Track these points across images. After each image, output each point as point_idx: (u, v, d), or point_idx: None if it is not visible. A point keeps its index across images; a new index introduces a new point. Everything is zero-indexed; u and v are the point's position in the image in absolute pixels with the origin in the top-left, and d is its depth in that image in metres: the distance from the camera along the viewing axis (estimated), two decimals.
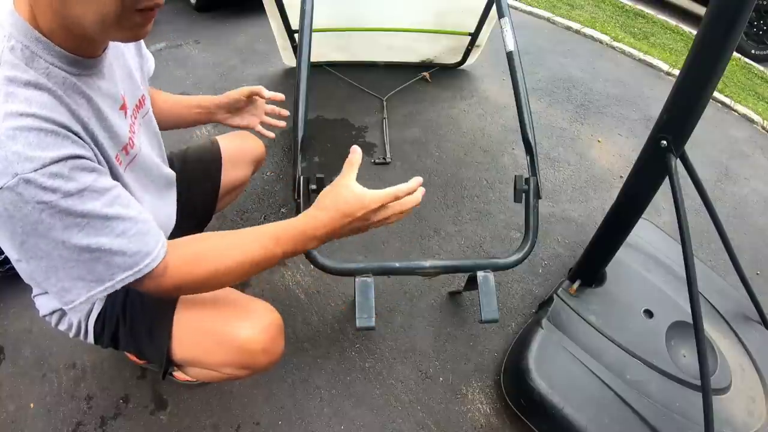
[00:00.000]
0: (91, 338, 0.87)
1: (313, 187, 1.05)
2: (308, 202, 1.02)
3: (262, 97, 1.08)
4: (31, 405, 1.11)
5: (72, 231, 0.55)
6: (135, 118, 0.75)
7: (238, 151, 1.18)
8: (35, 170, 0.51)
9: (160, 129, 0.92)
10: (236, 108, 1.09)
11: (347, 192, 0.71)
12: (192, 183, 1.08)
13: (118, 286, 0.61)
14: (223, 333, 0.79)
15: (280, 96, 1.08)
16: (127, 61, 0.74)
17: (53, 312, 0.84)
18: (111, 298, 0.85)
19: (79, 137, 0.57)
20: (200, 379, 0.92)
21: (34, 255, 0.56)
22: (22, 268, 0.66)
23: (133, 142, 0.73)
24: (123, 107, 0.69)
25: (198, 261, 0.67)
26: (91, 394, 1.14)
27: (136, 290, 0.65)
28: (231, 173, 1.17)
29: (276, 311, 0.86)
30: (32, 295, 0.84)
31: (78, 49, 0.58)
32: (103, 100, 0.64)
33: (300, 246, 0.71)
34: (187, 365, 0.90)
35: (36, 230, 0.53)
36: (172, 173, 0.93)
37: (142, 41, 0.78)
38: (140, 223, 0.61)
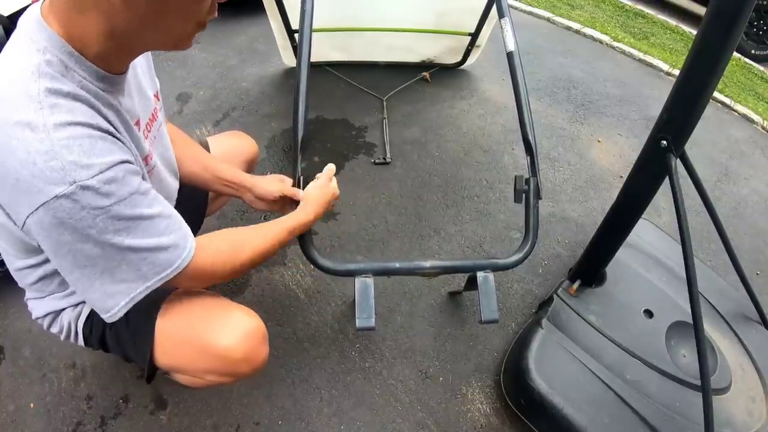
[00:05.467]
0: (81, 341, 0.87)
1: None
2: None
3: (296, 200, 1.02)
4: (31, 405, 1.11)
5: (122, 234, 0.57)
6: (149, 131, 0.76)
7: (230, 151, 1.16)
8: (93, 176, 0.52)
9: (182, 181, 0.92)
10: (265, 197, 1.05)
11: (323, 188, 1.01)
12: (181, 186, 1.06)
13: (159, 284, 0.63)
14: (203, 341, 0.78)
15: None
16: (138, 76, 0.75)
17: (46, 315, 0.84)
18: None
19: (121, 142, 0.60)
20: (187, 384, 0.92)
21: (78, 263, 0.57)
22: (36, 275, 0.72)
23: (152, 154, 0.75)
24: (137, 123, 0.71)
25: (228, 250, 0.75)
26: (91, 394, 1.14)
27: None
28: None
29: (258, 317, 0.84)
30: (25, 298, 0.84)
31: (108, 66, 0.60)
32: (126, 113, 0.66)
33: (304, 229, 0.95)
34: (171, 371, 0.90)
35: (87, 236, 0.55)
36: (176, 187, 0.92)
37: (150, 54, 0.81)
38: (175, 219, 0.65)
